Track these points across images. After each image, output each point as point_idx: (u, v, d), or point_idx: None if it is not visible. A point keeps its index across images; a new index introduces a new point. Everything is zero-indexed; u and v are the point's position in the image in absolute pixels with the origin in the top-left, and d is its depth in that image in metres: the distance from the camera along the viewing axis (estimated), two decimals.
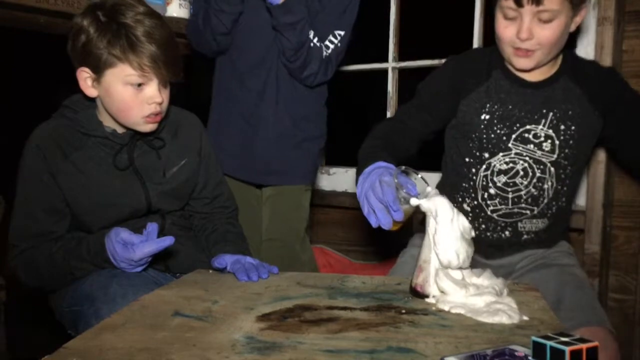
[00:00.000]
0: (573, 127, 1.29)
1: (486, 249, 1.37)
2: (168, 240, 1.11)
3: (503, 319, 0.85)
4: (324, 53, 1.58)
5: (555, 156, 1.30)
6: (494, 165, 1.32)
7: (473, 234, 0.98)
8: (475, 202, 1.36)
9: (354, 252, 2.16)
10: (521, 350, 0.70)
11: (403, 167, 1.03)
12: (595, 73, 1.32)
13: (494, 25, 1.26)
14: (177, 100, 1.31)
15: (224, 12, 1.54)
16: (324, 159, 2.26)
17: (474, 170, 1.35)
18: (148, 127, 1.23)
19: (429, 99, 1.36)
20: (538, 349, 0.65)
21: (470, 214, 1.37)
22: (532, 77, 1.30)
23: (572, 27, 1.24)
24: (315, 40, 1.56)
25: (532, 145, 1.30)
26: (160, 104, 1.20)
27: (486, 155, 1.32)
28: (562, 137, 1.29)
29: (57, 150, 1.21)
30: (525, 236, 1.36)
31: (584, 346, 0.62)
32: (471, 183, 1.35)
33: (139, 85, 1.17)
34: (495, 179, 1.32)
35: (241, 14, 1.58)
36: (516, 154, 1.30)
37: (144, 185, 1.27)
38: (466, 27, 1.91)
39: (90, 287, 1.13)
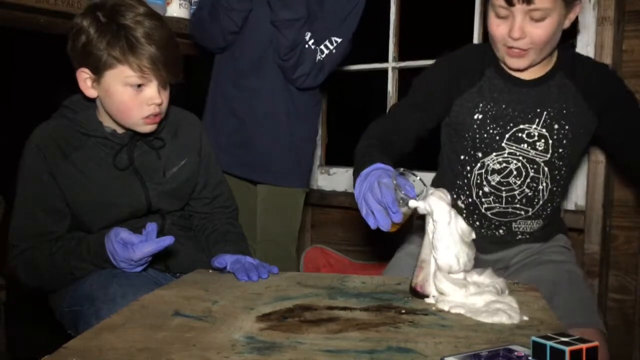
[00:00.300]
0: (567, 127, 1.28)
1: (481, 244, 1.36)
2: (168, 240, 1.11)
3: (503, 319, 0.85)
4: (318, 57, 1.57)
5: (548, 156, 1.29)
6: (488, 165, 1.32)
7: (473, 235, 0.97)
8: (470, 200, 1.36)
9: (354, 252, 2.16)
10: (521, 350, 0.70)
11: (401, 169, 1.02)
12: (593, 70, 1.30)
13: (487, 23, 1.25)
14: (176, 100, 1.31)
15: (234, 10, 1.54)
16: (318, 161, 2.26)
17: (468, 168, 1.34)
18: (147, 128, 1.23)
19: (424, 98, 1.34)
20: (538, 349, 0.64)
21: (465, 211, 1.37)
22: (526, 75, 1.29)
23: (566, 24, 1.22)
24: (310, 42, 1.56)
25: (525, 145, 1.29)
26: (159, 105, 1.20)
27: (480, 154, 1.32)
28: (555, 137, 1.28)
29: (57, 151, 1.21)
30: (519, 236, 1.36)
31: (584, 346, 0.62)
32: (465, 181, 1.35)
33: (139, 86, 1.17)
34: (489, 177, 1.32)
35: (251, 11, 1.58)
36: (509, 153, 1.30)
37: (143, 185, 1.27)
38: (466, 27, 1.91)
39: (90, 287, 1.14)
